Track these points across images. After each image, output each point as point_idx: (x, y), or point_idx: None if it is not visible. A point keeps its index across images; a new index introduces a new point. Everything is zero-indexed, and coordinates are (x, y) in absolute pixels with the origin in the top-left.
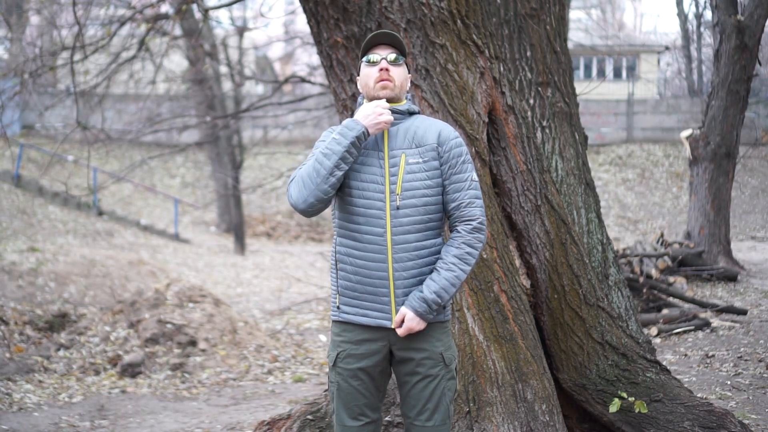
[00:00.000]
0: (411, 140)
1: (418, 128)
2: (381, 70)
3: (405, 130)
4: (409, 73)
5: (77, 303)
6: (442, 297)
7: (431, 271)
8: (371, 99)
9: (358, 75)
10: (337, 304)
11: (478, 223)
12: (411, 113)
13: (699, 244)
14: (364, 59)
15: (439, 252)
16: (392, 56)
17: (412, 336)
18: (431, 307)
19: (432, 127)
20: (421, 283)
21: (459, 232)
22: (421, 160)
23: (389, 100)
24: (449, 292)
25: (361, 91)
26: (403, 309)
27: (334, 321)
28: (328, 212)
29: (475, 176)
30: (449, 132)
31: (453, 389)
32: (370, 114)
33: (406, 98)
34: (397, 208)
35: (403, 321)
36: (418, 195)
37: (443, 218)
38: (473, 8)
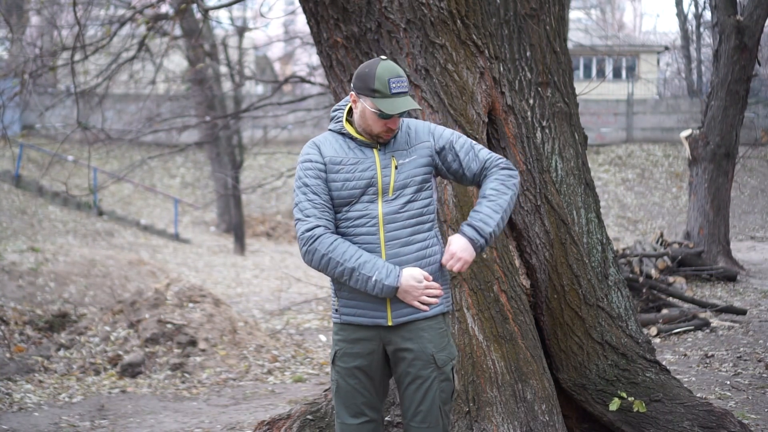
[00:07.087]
0: (404, 142)
1: (410, 131)
2: (388, 127)
3: (396, 137)
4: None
5: (77, 303)
6: (488, 223)
7: (427, 264)
8: (368, 134)
9: (353, 92)
10: (336, 307)
11: (503, 161)
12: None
13: (698, 244)
14: (375, 109)
15: (431, 246)
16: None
17: (403, 333)
18: (479, 232)
19: (422, 126)
20: None
21: (491, 172)
22: (415, 156)
23: None
24: (494, 219)
25: (357, 116)
26: (450, 239)
27: (334, 323)
28: None
29: (477, 144)
30: (436, 125)
31: (448, 391)
32: (419, 290)
33: None
34: (389, 205)
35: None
36: (409, 192)
37: (435, 212)
38: (473, 8)
